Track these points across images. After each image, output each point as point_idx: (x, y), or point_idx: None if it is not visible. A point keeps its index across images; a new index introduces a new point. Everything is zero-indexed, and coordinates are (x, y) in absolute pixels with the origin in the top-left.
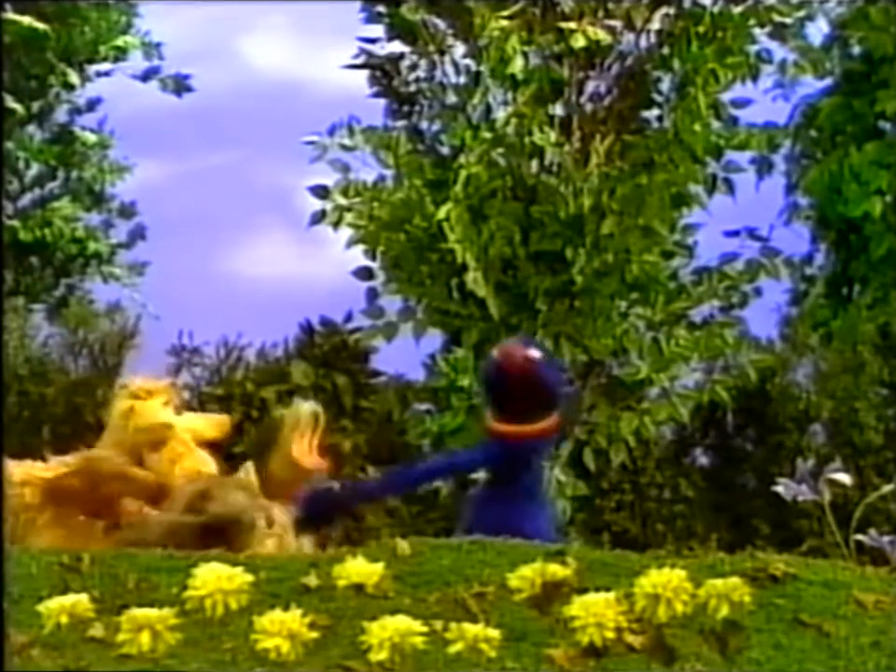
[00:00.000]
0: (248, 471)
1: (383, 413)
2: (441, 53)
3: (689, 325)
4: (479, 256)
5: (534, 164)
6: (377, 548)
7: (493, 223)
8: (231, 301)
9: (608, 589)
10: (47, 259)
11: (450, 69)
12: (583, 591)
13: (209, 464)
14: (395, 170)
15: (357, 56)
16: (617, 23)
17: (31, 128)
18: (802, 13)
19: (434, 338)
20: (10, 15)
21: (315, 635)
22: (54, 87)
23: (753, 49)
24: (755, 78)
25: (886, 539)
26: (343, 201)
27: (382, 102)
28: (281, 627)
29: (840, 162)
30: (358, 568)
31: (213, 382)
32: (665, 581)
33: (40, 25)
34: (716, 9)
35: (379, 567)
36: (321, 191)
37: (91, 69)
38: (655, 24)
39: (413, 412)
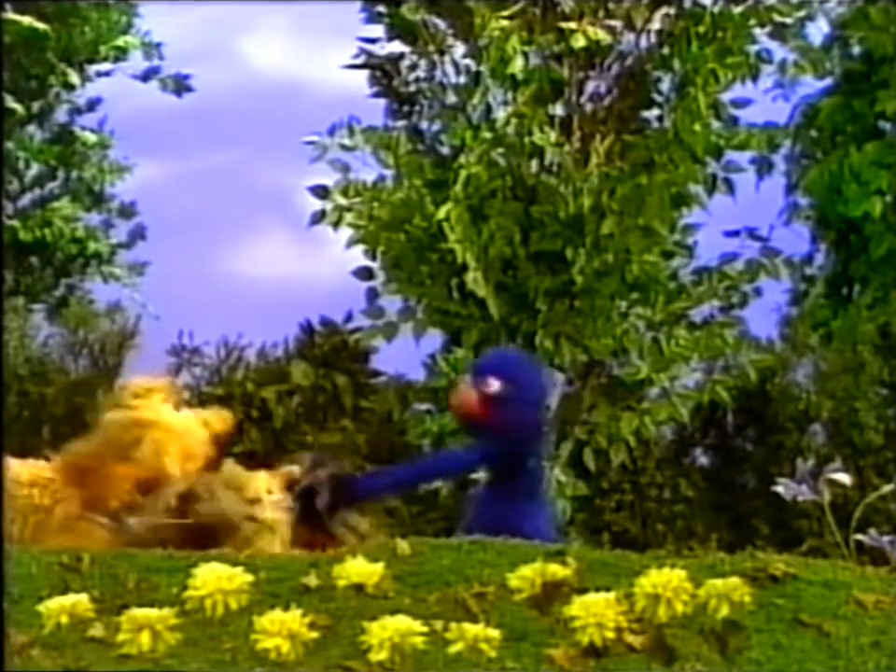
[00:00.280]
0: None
1: (383, 413)
2: (441, 53)
3: (689, 325)
4: (479, 256)
5: (534, 164)
6: (377, 548)
7: (493, 223)
8: (231, 301)
9: (608, 589)
10: (47, 259)
11: (450, 69)
12: (583, 591)
13: (197, 457)
14: (395, 170)
15: (356, 56)
16: (617, 23)
17: (31, 128)
18: (802, 13)
19: (434, 338)
20: (10, 15)
21: (314, 635)
22: (54, 87)
23: (753, 49)
24: (755, 78)
25: (886, 538)
26: (342, 201)
27: (382, 102)
28: (281, 627)
29: (840, 162)
30: (358, 568)
31: (213, 382)
32: (665, 580)
33: (40, 25)
34: (716, 9)
35: (379, 567)
36: (321, 191)
37: (91, 69)
38: (655, 24)
39: (412, 412)
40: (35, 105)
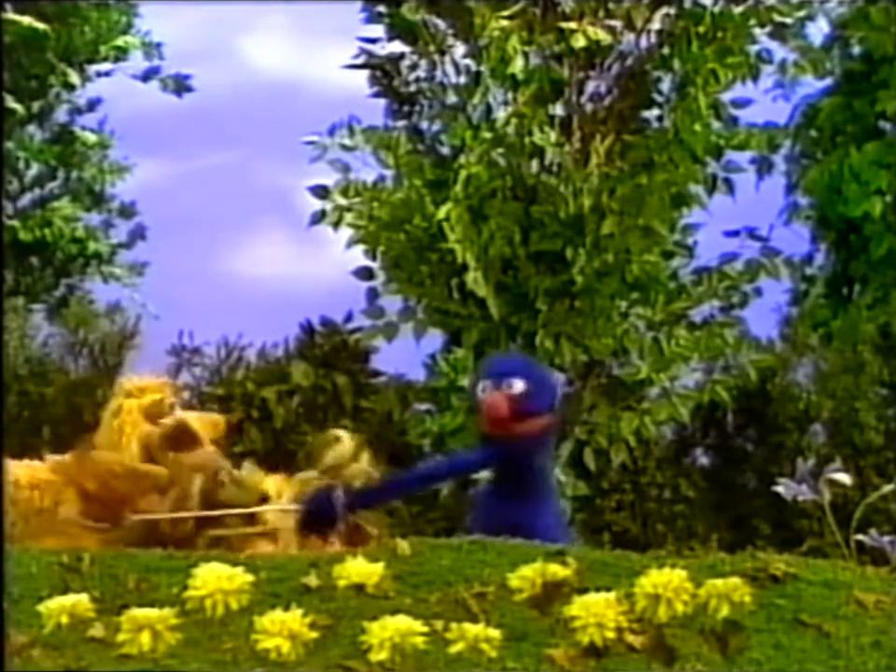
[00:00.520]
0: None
1: (383, 413)
2: (442, 53)
3: (689, 325)
4: (479, 256)
5: (534, 164)
6: (377, 548)
7: (493, 223)
8: (231, 300)
9: (608, 589)
10: (47, 259)
11: (450, 69)
12: (583, 591)
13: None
14: (395, 170)
15: (357, 56)
16: (617, 23)
17: (31, 128)
18: (802, 13)
19: (434, 338)
20: (10, 15)
21: (314, 635)
22: (54, 87)
23: (753, 49)
24: (755, 78)
25: (886, 538)
26: (342, 201)
27: (382, 102)
28: (281, 627)
29: (840, 162)
30: (358, 568)
31: (213, 382)
32: (665, 580)
33: (40, 25)
34: (716, 9)
35: (379, 567)
36: (321, 191)
37: (92, 69)
38: (655, 24)
39: (413, 412)
40: (35, 105)
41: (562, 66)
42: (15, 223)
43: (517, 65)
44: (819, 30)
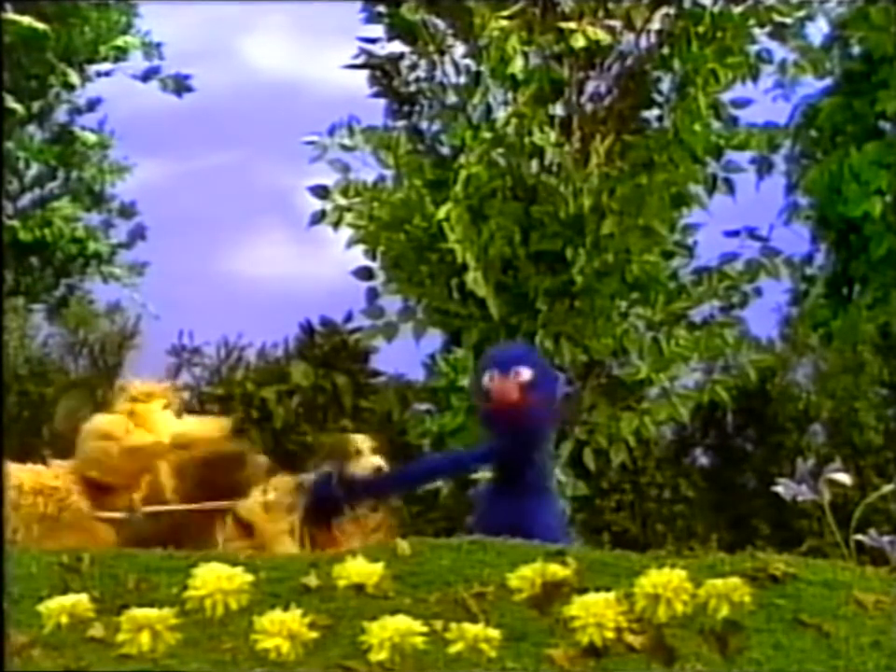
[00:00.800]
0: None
1: (383, 413)
2: (441, 53)
3: (689, 325)
4: (479, 256)
5: (534, 164)
6: (377, 548)
7: (493, 223)
8: (231, 300)
9: (608, 589)
10: (47, 259)
11: (450, 69)
12: (583, 591)
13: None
14: (395, 170)
15: (357, 56)
16: (617, 23)
17: (31, 128)
18: (802, 13)
19: (434, 338)
20: (10, 15)
21: (314, 635)
22: (54, 87)
23: (753, 49)
24: (755, 78)
25: (886, 539)
26: (342, 201)
27: (382, 102)
28: (281, 627)
29: (840, 162)
30: (358, 568)
31: (213, 382)
32: (665, 580)
33: (40, 25)
34: (716, 9)
35: (379, 567)
36: (321, 191)
37: (91, 69)
38: (655, 24)
39: (412, 412)
40: (35, 105)
41: (562, 66)
42: (15, 223)
43: (517, 65)
44: (818, 30)
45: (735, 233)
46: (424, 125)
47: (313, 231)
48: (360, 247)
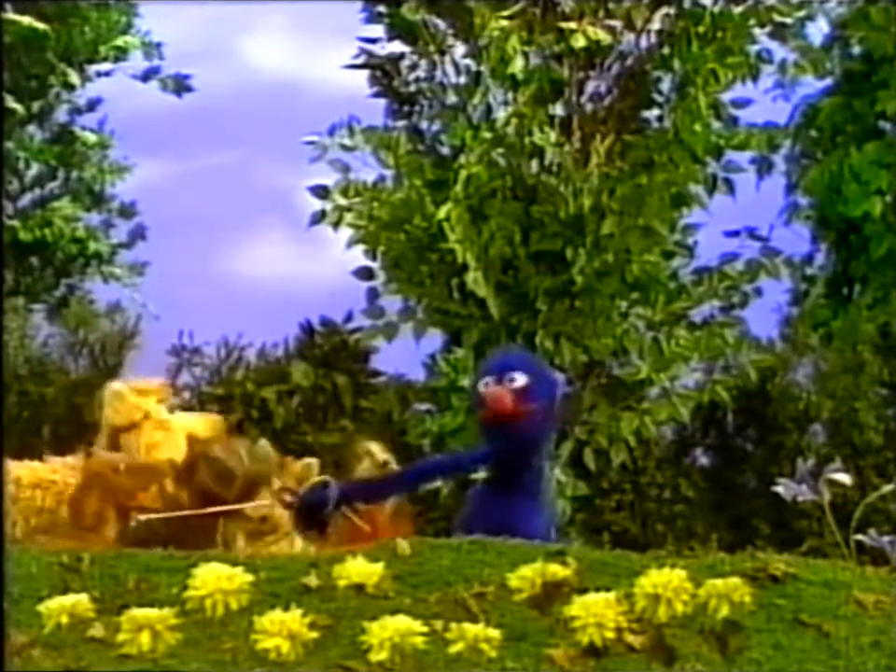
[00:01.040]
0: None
1: (383, 413)
2: (442, 53)
3: (689, 325)
4: (479, 256)
5: (534, 164)
6: (377, 548)
7: (493, 223)
8: (231, 300)
9: (608, 589)
10: (47, 259)
11: (450, 69)
12: (583, 591)
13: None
14: (395, 170)
15: (357, 56)
16: (617, 23)
17: (31, 128)
18: (802, 13)
19: (434, 338)
20: (10, 15)
21: (314, 635)
22: (54, 87)
23: (753, 49)
24: (755, 78)
25: (886, 539)
26: (342, 201)
27: (382, 102)
28: (281, 627)
29: (840, 162)
30: (358, 568)
31: (213, 382)
32: (665, 580)
33: (40, 25)
34: (716, 9)
35: (379, 567)
36: (321, 191)
37: (91, 69)
38: (655, 24)
39: (412, 412)
40: (35, 105)
41: (562, 66)
42: (15, 223)
43: (517, 65)
44: (818, 30)
45: (735, 233)
46: (424, 125)
47: (313, 231)
48: (360, 247)
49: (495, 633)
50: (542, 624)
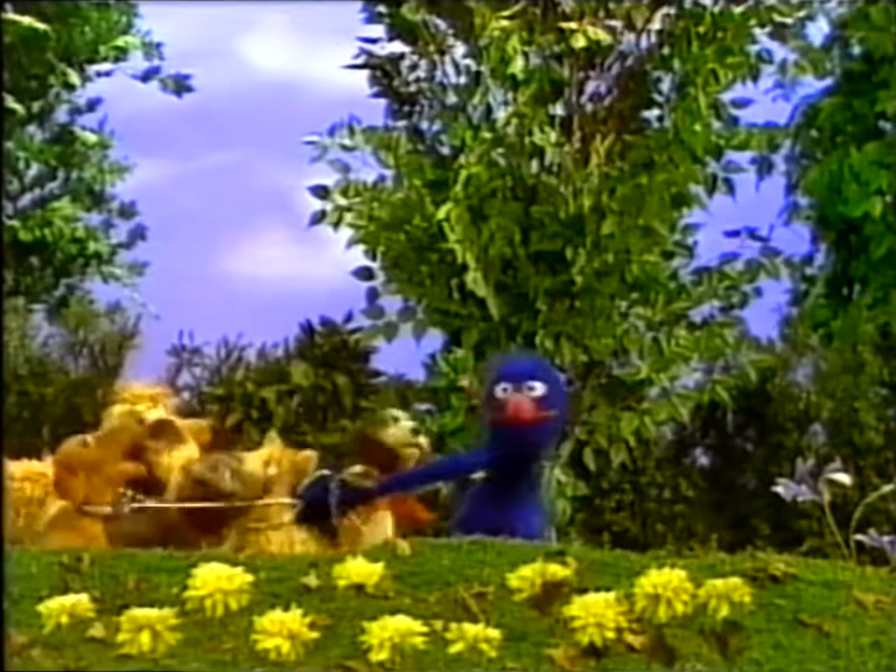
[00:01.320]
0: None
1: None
2: (442, 53)
3: (689, 325)
4: (479, 256)
5: (534, 164)
6: (377, 548)
7: (493, 223)
8: (231, 300)
9: (608, 589)
10: (47, 259)
11: (450, 69)
12: (583, 591)
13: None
14: (395, 170)
15: (357, 56)
16: (617, 23)
17: (31, 128)
18: (802, 13)
19: (434, 338)
20: (10, 15)
21: (314, 635)
22: (54, 87)
23: (753, 48)
24: (755, 78)
25: (886, 539)
26: (342, 201)
27: (382, 102)
28: (281, 627)
29: (840, 162)
30: (358, 568)
31: (213, 382)
32: (665, 580)
33: (40, 25)
34: (716, 9)
35: (379, 567)
36: (321, 191)
37: (92, 69)
38: (656, 24)
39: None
40: (35, 105)
41: (562, 66)
42: (15, 223)
43: (517, 65)
44: (818, 30)
45: (735, 233)
46: (424, 125)
47: (313, 230)
48: (360, 247)
49: (495, 633)
50: (542, 624)
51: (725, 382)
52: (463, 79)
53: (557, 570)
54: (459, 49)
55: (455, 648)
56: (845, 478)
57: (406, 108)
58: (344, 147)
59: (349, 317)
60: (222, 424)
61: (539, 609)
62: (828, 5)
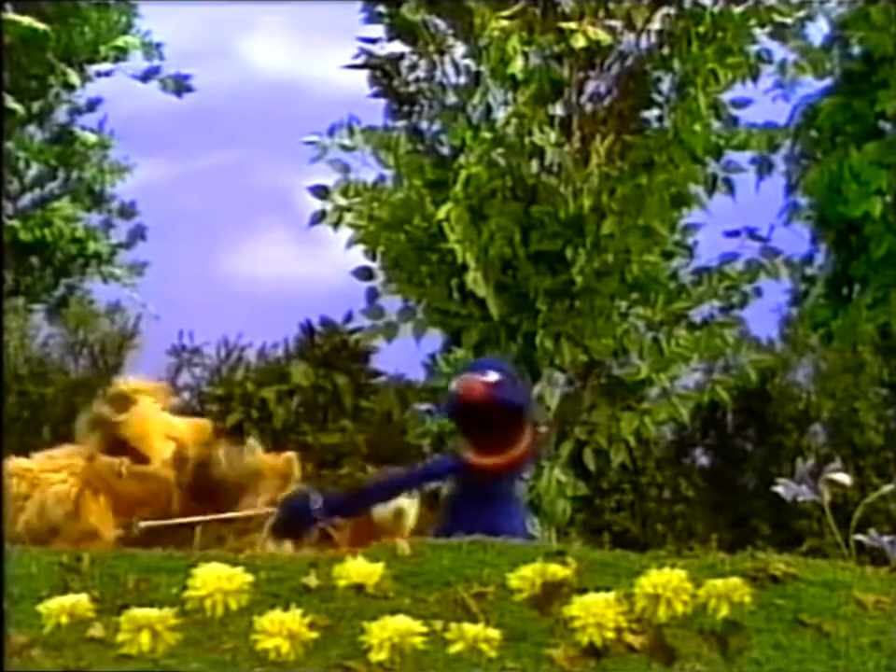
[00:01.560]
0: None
1: (383, 413)
2: (441, 53)
3: (689, 325)
4: (479, 256)
5: (534, 164)
6: (377, 548)
7: (493, 223)
8: (231, 301)
9: (608, 589)
10: (47, 259)
11: (450, 69)
12: (583, 591)
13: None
14: (395, 170)
15: (357, 56)
16: (617, 23)
17: (31, 128)
18: (802, 13)
19: (434, 338)
20: (10, 15)
21: (314, 635)
22: (54, 87)
23: (753, 49)
24: (755, 78)
25: (886, 539)
26: (342, 201)
27: (382, 102)
28: (281, 627)
29: (840, 162)
30: (358, 568)
31: (213, 382)
32: (665, 580)
33: (40, 25)
34: (716, 9)
35: (379, 567)
36: (321, 191)
37: (92, 69)
38: (656, 24)
39: (412, 412)
40: (35, 105)
41: (562, 66)
42: (15, 223)
43: (517, 65)
44: (818, 30)
45: (735, 233)
46: (424, 125)
47: (313, 230)
48: (360, 247)
49: (495, 633)
50: (542, 624)
51: (725, 382)
52: (463, 79)
53: (557, 570)
54: (459, 49)
55: (455, 648)
56: (845, 478)
57: (406, 108)
58: (344, 147)
59: (349, 317)
60: (222, 424)
61: (538, 609)
62: (828, 5)
